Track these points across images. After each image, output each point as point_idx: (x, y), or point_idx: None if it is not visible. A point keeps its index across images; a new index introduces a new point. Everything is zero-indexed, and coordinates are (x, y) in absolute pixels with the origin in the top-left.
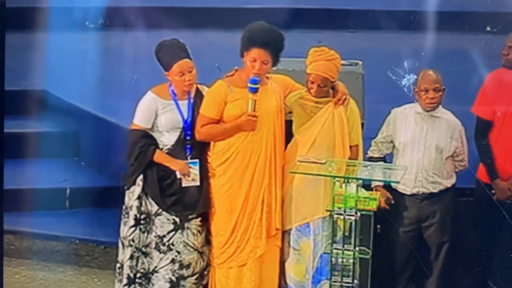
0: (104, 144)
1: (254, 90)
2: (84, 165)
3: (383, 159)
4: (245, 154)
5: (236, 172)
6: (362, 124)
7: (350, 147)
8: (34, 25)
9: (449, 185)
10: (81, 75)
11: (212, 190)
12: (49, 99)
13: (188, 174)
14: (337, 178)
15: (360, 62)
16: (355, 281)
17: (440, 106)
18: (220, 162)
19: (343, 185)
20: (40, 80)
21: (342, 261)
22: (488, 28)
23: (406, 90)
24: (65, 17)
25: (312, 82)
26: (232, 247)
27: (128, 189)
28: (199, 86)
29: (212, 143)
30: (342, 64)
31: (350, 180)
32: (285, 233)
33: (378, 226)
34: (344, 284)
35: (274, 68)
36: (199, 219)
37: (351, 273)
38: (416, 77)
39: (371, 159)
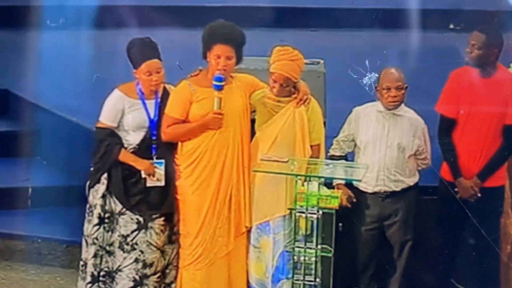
0: (66, 143)
1: (219, 88)
2: (46, 164)
3: (345, 157)
4: (212, 154)
5: (203, 172)
6: (324, 123)
7: (312, 146)
8: None
9: (411, 184)
10: (41, 74)
11: (180, 191)
12: (10, 98)
13: (153, 174)
14: (299, 177)
15: (322, 61)
16: (317, 280)
17: (403, 105)
18: (188, 163)
19: (305, 183)
20: (0, 79)
21: (304, 260)
22: (451, 26)
23: (367, 88)
24: (26, 16)
25: (275, 81)
26: (200, 247)
27: (92, 187)
28: (166, 86)
29: (179, 144)
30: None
31: (312, 178)
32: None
33: (340, 224)
34: (306, 282)
35: (236, 67)
36: (163, 218)
37: (313, 272)
38: (377, 75)
39: (332, 157)
